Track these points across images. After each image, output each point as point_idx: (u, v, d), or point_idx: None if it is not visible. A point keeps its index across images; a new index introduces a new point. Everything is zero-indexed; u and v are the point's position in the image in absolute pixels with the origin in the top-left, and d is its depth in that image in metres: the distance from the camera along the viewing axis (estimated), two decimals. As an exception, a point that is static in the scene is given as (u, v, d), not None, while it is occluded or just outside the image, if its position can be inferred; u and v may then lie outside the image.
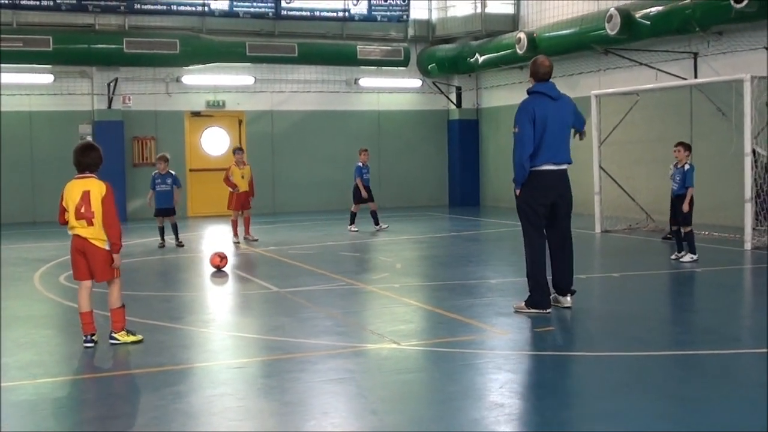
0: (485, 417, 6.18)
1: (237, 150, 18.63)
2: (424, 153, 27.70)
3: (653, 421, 5.98)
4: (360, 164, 19.86)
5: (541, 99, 9.66)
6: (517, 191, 9.74)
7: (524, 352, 8.19)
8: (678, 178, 13.69)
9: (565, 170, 9.73)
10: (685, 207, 13.44)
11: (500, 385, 6.90)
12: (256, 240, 17.92)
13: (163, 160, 17.74)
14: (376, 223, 19.57)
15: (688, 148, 13.83)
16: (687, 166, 13.66)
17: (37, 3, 22.70)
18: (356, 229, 19.39)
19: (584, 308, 9.98)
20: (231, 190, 18.03)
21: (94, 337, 8.62)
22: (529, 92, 9.87)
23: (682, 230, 13.67)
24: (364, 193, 19.59)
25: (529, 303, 9.72)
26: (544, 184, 9.59)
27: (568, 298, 9.88)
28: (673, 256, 13.80)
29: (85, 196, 8.47)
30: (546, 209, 9.67)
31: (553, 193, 9.65)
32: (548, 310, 9.67)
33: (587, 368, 7.72)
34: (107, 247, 8.58)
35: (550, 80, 9.86)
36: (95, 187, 8.52)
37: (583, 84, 21.16)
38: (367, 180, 19.96)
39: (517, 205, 9.84)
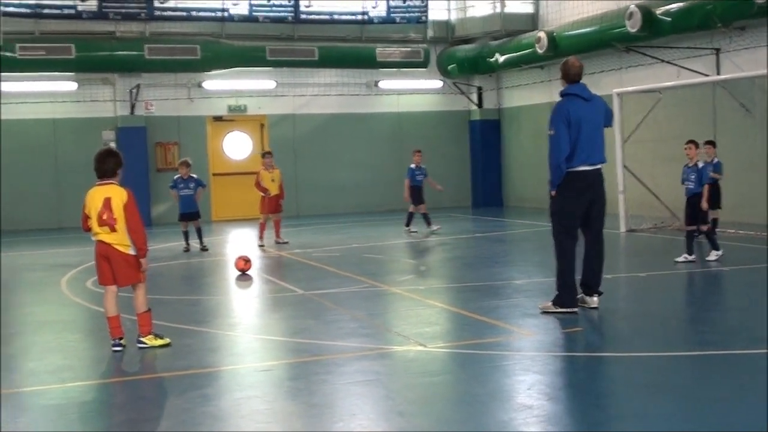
0: (514, 419, 6.16)
1: (265, 154, 18.67)
2: (446, 154, 27.64)
3: (682, 422, 5.95)
4: (412, 166, 19.62)
5: (575, 101, 9.65)
6: (553, 192, 9.74)
7: (552, 353, 8.16)
8: (693, 177, 13.48)
9: (600, 170, 9.72)
10: (704, 204, 13.26)
11: (528, 387, 6.89)
12: (287, 243, 17.95)
13: (185, 165, 17.82)
14: (407, 224, 19.45)
15: (712, 144, 13.68)
16: (701, 163, 13.53)
17: (59, 12, 22.85)
18: (415, 231, 19.20)
19: (611, 308, 9.94)
20: (262, 194, 18.05)
21: (122, 341, 8.67)
22: (562, 94, 9.83)
23: (702, 229, 13.48)
24: (406, 195, 19.33)
25: (557, 302, 9.69)
26: (581, 185, 9.59)
27: (595, 299, 9.84)
28: (681, 258, 13.37)
29: (107, 203, 8.53)
30: (582, 210, 9.66)
31: (589, 193, 9.65)
32: (575, 310, 9.65)
33: (616, 369, 7.69)
34: (131, 252, 8.63)
35: (581, 81, 9.83)
36: (116, 194, 8.58)
37: (605, 82, 21.08)
38: (420, 181, 19.63)
39: (551, 205, 9.85)
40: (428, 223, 19.25)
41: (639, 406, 6.37)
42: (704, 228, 13.48)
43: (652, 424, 5.92)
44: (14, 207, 23.63)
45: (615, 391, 7.00)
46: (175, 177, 17.97)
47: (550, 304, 9.75)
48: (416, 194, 19.30)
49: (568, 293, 9.69)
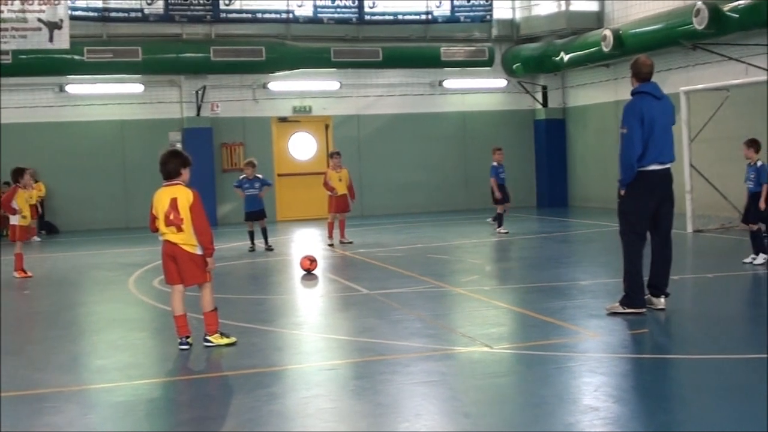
0: (580, 421, 6.11)
1: (334, 154, 18.73)
2: (511, 154, 27.32)
3: (750, 426, 5.84)
4: (495, 164, 19.48)
5: (647, 99, 9.54)
6: (622, 192, 9.65)
7: (618, 354, 8.07)
8: (752, 176, 13.28)
9: (669, 169, 9.61)
10: (762, 204, 13.01)
11: (594, 389, 6.82)
12: (351, 242, 18.01)
13: (251, 165, 17.96)
14: (499, 225, 19.27)
15: (753, 144, 13.38)
16: (759, 163, 13.30)
17: (126, 15, 23.17)
18: (506, 231, 19.07)
19: (678, 310, 9.81)
20: (330, 193, 18.13)
21: (188, 340, 8.75)
22: (633, 93, 9.71)
23: (752, 228, 13.18)
24: (498, 194, 19.21)
25: (624, 303, 9.59)
26: (651, 185, 9.48)
27: (662, 300, 9.73)
28: (748, 259, 13.17)
29: (173, 203, 8.61)
30: (651, 210, 9.56)
31: (659, 193, 9.55)
32: (643, 310, 9.54)
33: (683, 371, 7.59)
34: (198, 252, 8.71)
35: (652, 80, 9.73)
36: (182, 194, 8.66)
37: (672, 80, 20.80)
38: (503, 179, 19.50)
39: (620, 205, 9.75)
40: (499, 224, 19.16)
41: (706, 409, 6.29)
42: (753, 228, 13.14)
43: (719, 427, 5.83)
44: (83, 207, 24.07)
45: (682, 393, 6.91)
46: (241, 177, 18.13)
47: (617, 305, 9.65)
48: (503, 192, 19.17)
49: (636, 294, 9.58)
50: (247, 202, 17.81)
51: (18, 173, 15.14)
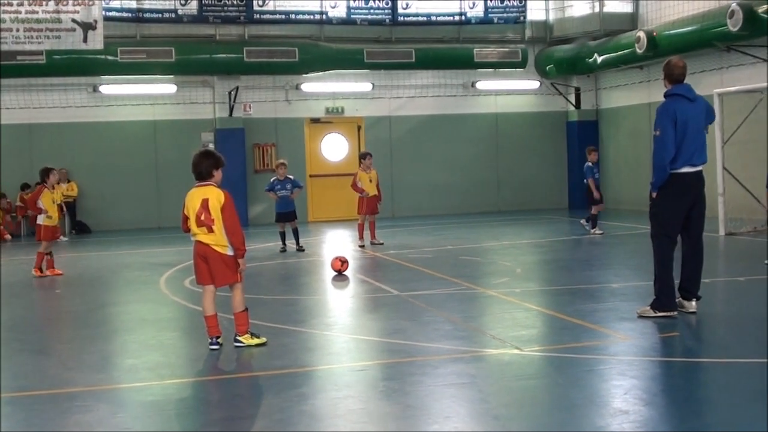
0: (610, 424, 6.08)
1: (366, 155, 18.72)
2: (543, 155, 27.45)
3: (786, 429, 5.80)
4: (590, 164, 19.28)
5: (681, 101, 9.47)
6: (654, 194, 9.58)
7: (649, 358, 8.02)
8: None
9: (701, 172, 9.54)
10: None
11: (625, 392, 6.78)
12: (382, 243, 18.01)
13: (283, 166, 18.02)
14: (593, 226, 19.13)
15: None
16: None
17: (160, 16, 23.31)
18: (601, 232, 18.95)
19: (710, 313, 9.74)
20: (360, 195, 18.14)
21: (219, 340, 8.78)
22: (666, 95, 9.65)
23: None
24: (596, 194, 19.02)
25: (656, 306, 9.53)
26: (683, 187, 9.42)
27: (693, 303, 9.66)
28: None
29: (204, 204, 8.64)
30: (682, 213, 9.49)
31: (691, 195, 9.48)
32: (674, 313, 9.48)
33: (714, 375, 7.54)
34: (229, 253, 8.73)
35: (685, 81, 9.67)
36: (214, 195, 8.67)
37: (705, 82, 20.66)
38: (598, 180, 19.40)
39: (651, 207, 9.69)
40: (593, 225, 19.08)
41: (737, 412, 6.24)
42: None
43: (750, 431, 5.79)
44: (115, 207, 24.24)
45: (713, 397, 6.86)
46: (272, 179, 18.18)
47: (648, 308, 9.59)
48: (595, 193, 18.99)
49: (667, 296, 9.52)
50: (279, 204, 17.87)
51: (45, 173, 15.24)
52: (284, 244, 17.78)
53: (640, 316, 9.55)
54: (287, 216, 17.88)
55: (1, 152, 22.95)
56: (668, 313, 9.46)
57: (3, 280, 14.66)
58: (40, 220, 15.16)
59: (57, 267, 15.25)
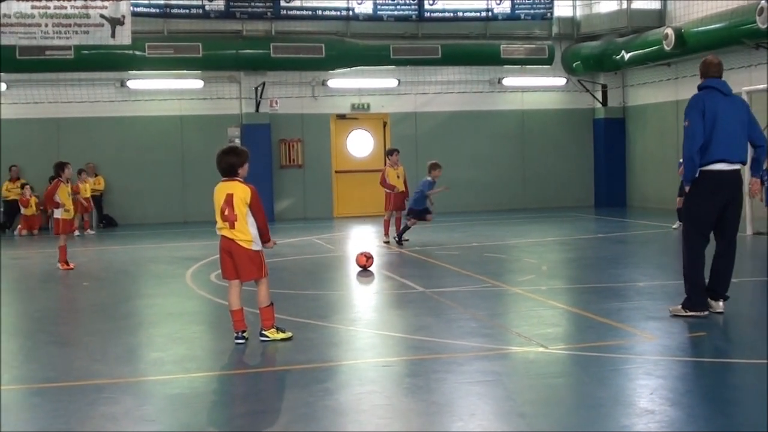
0: (635, 423, 6.05)
1: (393, 151, 18.67)
2: (569, 152, 27.34)
3: (813, 430, 5.76)
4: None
5: (712, 94, 9.32)
6: (687, 188, 9.43)
7: (675, 357, 7.96)
8: None
9: (738, 171, 9.35)
10: None
11: (651, 392, 6.74)
12: (407, 240, 17.99)
13: (437, 167, 18.20)
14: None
15: None
16: None
17: (187, 11, 23.38)
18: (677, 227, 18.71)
19: (736, 313, 9.65)
20: (388, 191, 18.11)
21: (245, 334, 8.81)
22: (699, 88, 9.49)
23: None
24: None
25: (686, 305, 9.43)
26: (716, 186, 9.24)
27: (721, 304, 9.56)
28: None
29: (228, 200, 8.66)
30: (716, 213, 9.31)
31: (725, 195, 9.29)
32: (705, 313, 9.37)
33: (741, 375, 7.48)
34: (253, 248, 8.76)
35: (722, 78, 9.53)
36: (238, 191, 8.69)
37: (734, 80, 20.32)
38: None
39: (684, 204, 9.54)
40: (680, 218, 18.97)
41: (764, 413, 6.18)
42: None
43: (781, 433, 5.74)
44: (142, 201, 24.36)
45: (740, 398, 6.80)
46: (431, 179, 18.08)
47: (679, 307, 9.50)
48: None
49: (697, 296, 9.41)
50: (418, 200, 17.87)
51: (60, 167, 15.38)
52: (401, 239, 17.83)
53: (673, 315, 9.47)
54: (422, 213, 17.98)
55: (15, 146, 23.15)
56: (698, 313, 9.36)
57: (29, 273, 14.78)
58: (58, 214, 15.30)
59: (71, 261, 15.32)
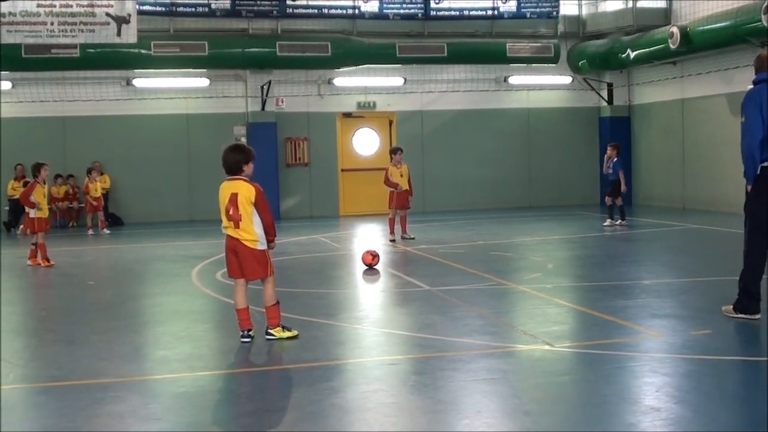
0: (641, 421, 6.05)
1: (396, 150, 18.67)
2: (575, 151, 27.32)
3: (820, 428, 5.75)
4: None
5: None
6: (749, 187, 8.93)
7: (681, 355, 7.96)
8: None
9: None
10: None
11: (656, 389, 6.75)
12: (413, 238, 18.00)
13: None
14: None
15: None
16: None
17: (193, 10, 23.41)
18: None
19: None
20: (392, 189, 18.11)
21: (250, 333, 8.82)
22: (754, 83, 9.10)
23: None
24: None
25: (737, 308, 9.10)
26: None
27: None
28: None
29: (233, 199, 8.66)
30: None
31: None
32: (757, 316, 9.02)
33: (748, 373, 7.50)
34: (258, 247, 8.75)
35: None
36: (243, 190, 8.69)
37: (739, 79, 20.45)
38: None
39: (746, 202, 9.03)
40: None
41: (772, 412, 6.19)
42: None
43: (787, 431, 5.73)
44: (148, 199, 24.39)
45: (746, 395, 6.80)
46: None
47: (731, 307, 9.17)
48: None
49: (749, 298, 9.01)
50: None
51: (36, 168, 15.72)
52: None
53: (725, 315, 9.22)
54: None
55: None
56: (749, 316, 9.02)
57: (34, 271, 14.80)
58: (33, 213, 15.68)
59: (51, 259, 15.63)
